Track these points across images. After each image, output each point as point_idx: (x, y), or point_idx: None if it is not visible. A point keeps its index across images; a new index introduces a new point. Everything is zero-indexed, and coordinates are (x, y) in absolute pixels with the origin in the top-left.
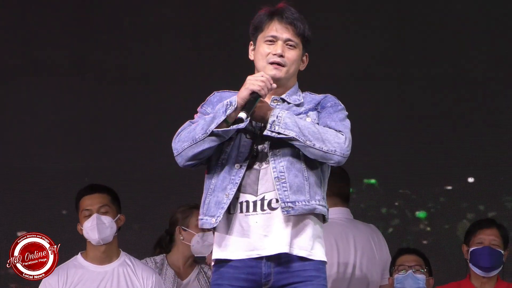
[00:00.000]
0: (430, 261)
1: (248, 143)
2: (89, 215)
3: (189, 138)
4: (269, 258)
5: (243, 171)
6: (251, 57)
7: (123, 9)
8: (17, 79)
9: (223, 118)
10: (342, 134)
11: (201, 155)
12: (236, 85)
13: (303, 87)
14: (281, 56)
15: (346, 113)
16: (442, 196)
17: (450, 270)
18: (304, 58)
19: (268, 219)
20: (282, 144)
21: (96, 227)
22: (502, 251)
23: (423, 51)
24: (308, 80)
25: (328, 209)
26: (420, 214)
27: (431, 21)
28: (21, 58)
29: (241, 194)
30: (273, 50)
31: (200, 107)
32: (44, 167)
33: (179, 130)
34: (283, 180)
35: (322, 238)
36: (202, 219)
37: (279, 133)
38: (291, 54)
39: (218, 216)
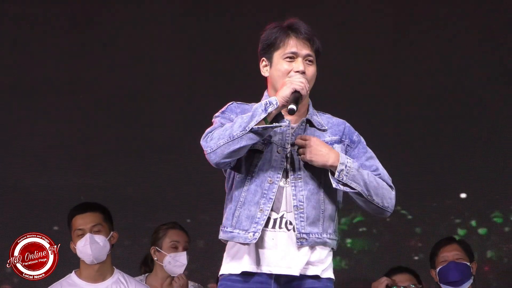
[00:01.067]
0: (422, 277)
1: (279, 158)
2: (82, 235)
3: (226, 136)
4: (279, 275)
5: (276, 186)
6: (264, 73)
7: (118, 28)
8: (13, 97)
9: (264, 115)
10: (393, 190)
11: (237, 153)
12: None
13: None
14: (303, 72)
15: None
16: (434, 211)
17: None
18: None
19: (284, 238)
20: (306, 168)
21: (90, 246)
22: (469, 263)
23: (416, 68)
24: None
25: (338, 240)
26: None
27: (430, 37)
28: (16, 77)
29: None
30: (295, 67)
31: (219, 113)
32: (37, 183)
33: (208, 130)
34: (301, 210)
35: (331, 261)
36: (231, 232)
37: (345, 184)
38: (311, 70)
39: (255, 232)
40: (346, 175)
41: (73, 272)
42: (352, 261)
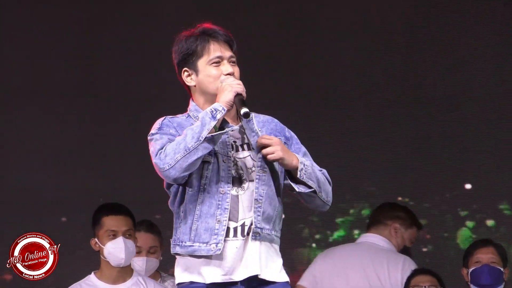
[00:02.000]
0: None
1: (225, 167)
2: (114, 236)
3: (181, 149)
4: (242, 282)
5: (229, 195)
6: (189, 83)
7: (128, 32)
8: (25, 100)
9: (214, 122)
10: (330, 183)
11: (195, 164)
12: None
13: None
14: (232, 74)
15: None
16: (442, 203)
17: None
18: None
19: (245, 244)
20: (258, 170)
21: (124, 250)
22: (502, 269)
23: (428, 71)
24: (322, 99)
25: (280, 239)
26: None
27: (444, 41)
28: (27, 79)
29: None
30: (224, 70)
31: (156, 130)
32: (47, 186)
33: (157, 148)
34: (260, 205)
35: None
36: (191, 245)
37: (303, 183)
38: (237, 71)
39: (217, 243)
40: (305, 174)
41: (92, 273)
42: None
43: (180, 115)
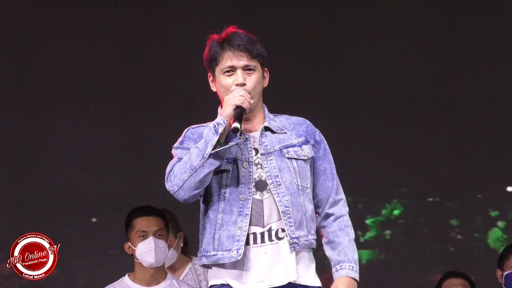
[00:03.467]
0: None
1: (246, 173)
2: (144, 236)
3: (187, 169)
4: (276, 287)
5: (250, 201)
6: (213, 88)
7: (168, 34)
8: (66, 103)
9: (216, 138)
10: (347, 214)
11: (203, 182)
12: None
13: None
14: (243, 84)
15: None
16: (473, 204)
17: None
18: (265, 74)
19: (277, 249)
20: (282, 174)
21: (154, 250)
22: None
23: (467, 74)
24: (354, 102)
25: (315, 241)
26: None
27: (479, 43)
28: (69, 81)
29: (248, 227)
30: (235, 80)
31: (178, 144)
32: (81, 188)
33: (168, 169)
34: (289, 215)
35: (314, 266)
36: (215, 254)
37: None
38: (252, 80)
39: (238, 249)
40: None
41: (126, 275)
42: (390, 253)
43: (208, 123)
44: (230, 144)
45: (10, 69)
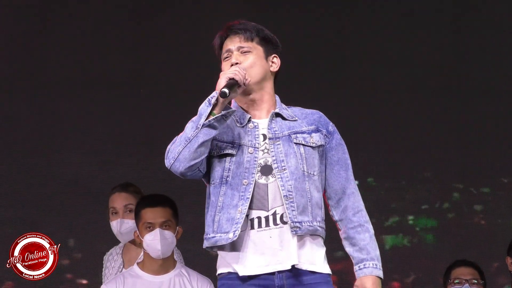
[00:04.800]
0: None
1: (251, 158)
2: (151, 228)
3: (182, 141)
4: (281, 272)
5: (252, 186)
6: None
7: (180, 23)
8: (74, 92)
9: (209, 109)
10: (364, 209)
11: (199, 152)
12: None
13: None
14: (236, 63)
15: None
16: (497, 189)
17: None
18: (275, 59)
19: (282, 233)
20: (287, 159)
21: (160, 242)
22: None
23: (478, 61)
24: (364, 91)
25: (325, 230)
26: None
27: (489, 31)
28: (77, 71)
29: (250, 211)
30: (231, 62)
31: None
32: (95, 176)
33: (167, 149)
34: (291, 200)
35: (325, 251)
36: (214, 237)
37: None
38: (248, 58)
39: (235, 231)
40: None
41: (135, 264)
42: (414, 238)
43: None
44: (224, 112)
45: (19, 59)
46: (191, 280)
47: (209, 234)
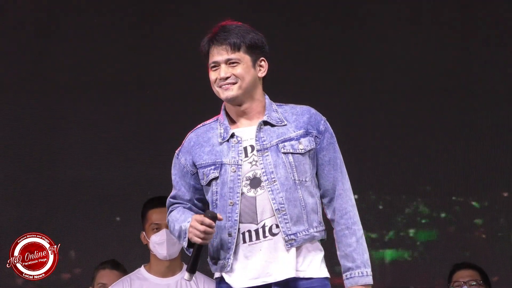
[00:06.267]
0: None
1: (235, 176)
2: (158, 229)
3: (174, 233)
4: (276, 283)
5: (237, 206)
6: None
7: (185, 25)
8: (78, 93)
9: (184, 244)
10: (355, 210)
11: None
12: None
13: (364, 98)
14: (226, 78)
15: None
16: (497, 203)
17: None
18: (262, 63)
19: (271, 245)
20: (277, 170)
21: (166, 243)
22: None
23: (485, 64)
24: (370, 93)
25: (325, 230)
26: None
27: (496, 33)
28: (83, 73)
29: (241, 225)
30: (218, 75)
31: (177, 152)
32: (102, 177)
33: (168, 202)
34: (284, 212)
35: (323, 255)
36: (213, 265)
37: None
38: (237, 71)
39: (228, 259)
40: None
41: (142, 266)
42: (415, 252)
43: (210, 120)
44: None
45: (26, 60)
46: (197, 282)
47: (210, 260)
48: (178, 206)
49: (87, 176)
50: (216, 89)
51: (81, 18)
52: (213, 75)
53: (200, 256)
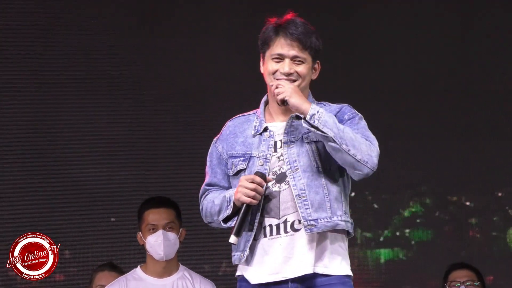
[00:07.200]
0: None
1: (262, 170)
2: (154, 229)
3: (208, 215)
4: (294, 279)
5: (262, 199)
6: (261, 70)
7: (183, 26)
8: (78, 93)
9: (226, 214)
10: (374, 147)
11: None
12: None
13: (362, 99)
14: (289, 74)
15: (365, 122)
16: (492, 203)
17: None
18: (316, 66)
19: (292, 241)
20: (299, 158)
21: (162, 243)
22: None
23: (485, 64)
24: (368, 91)
25: (352, 223)
26: None
27: (495, 34)
28: (80, 74)
29: (263, 219)
30: (281, 68)
31: (215, 140)
32: (98, 178)
33: (202, 190)
34: (304, 198)
35: (347, 253)
36: (234, 255)
37: (317, 128)
38: (300, 70)
39: (244, 251)
40: (318, 120)
41: (138, 266)
42: (410, 252)
43: (250, 112)
44: (232, 240)
45: (23, 61)
46: (194, 283)
47: (232, 252)
48: (213, 190)
49: (83, 177)
50: (271, 81)
51: (78, 19)
52: (274, 66)
53: (246, 220)
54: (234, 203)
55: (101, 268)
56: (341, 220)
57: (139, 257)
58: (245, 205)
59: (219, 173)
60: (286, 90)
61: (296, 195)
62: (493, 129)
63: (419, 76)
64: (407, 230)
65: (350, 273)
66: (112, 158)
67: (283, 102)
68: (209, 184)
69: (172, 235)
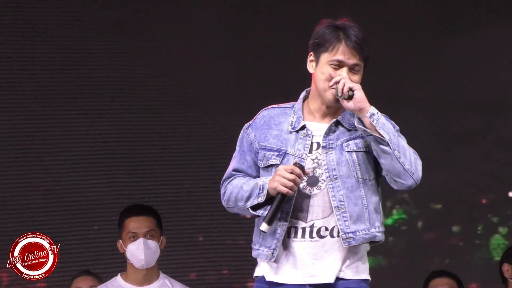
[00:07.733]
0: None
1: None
2: (135, 237)
3: (231, 200)
4: (313, 285)
5: (292, 199)
6: (310, 69)
7: (166, 31)
8: (59, 102)
9: (256, 201)
10: (419, 161)
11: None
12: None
13: None
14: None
15: None
16: (475, 209)
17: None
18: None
19: (316, 247)
20: (339, 167)
21: (143, 251)
22: None
23: (461, 74)
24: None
25: (383, 233)
26: None
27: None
28: (63, 80)
29: (290, 220)
30: (338, 75)
31: (246, 126)
32: (80, 186)
33: (226, 174)
34: (343, 210)
35: (365, 255)
36: (258, 249)
37: (373, 130)
38: (356, 79)
39: (274, 249)
40: (377, 120)
41: (119, 275)
42: (393, 260)
43: (285, 104)
44: (259, 213)
45: (6, 68)
46: None
47: (255, 245)
48: (239, 176)
49: (64, 184)
50: (324, 86)
51: (60, 26)
52: (331, 71)
53: (279, 211)
54: (267, 191)
55: (77, 274)
56: (379, 232)
57: (121, 264)
58: (280, 195)
59: (247, 161)
60: (358, 88)
61: (335, 207)
62: (477, 136)
63: (395, 88)
64: (390, 238)
65: (369, 277)
66: (92, 166)
67: (346, 95)
68: (236, 170)
69: (152, 243)
